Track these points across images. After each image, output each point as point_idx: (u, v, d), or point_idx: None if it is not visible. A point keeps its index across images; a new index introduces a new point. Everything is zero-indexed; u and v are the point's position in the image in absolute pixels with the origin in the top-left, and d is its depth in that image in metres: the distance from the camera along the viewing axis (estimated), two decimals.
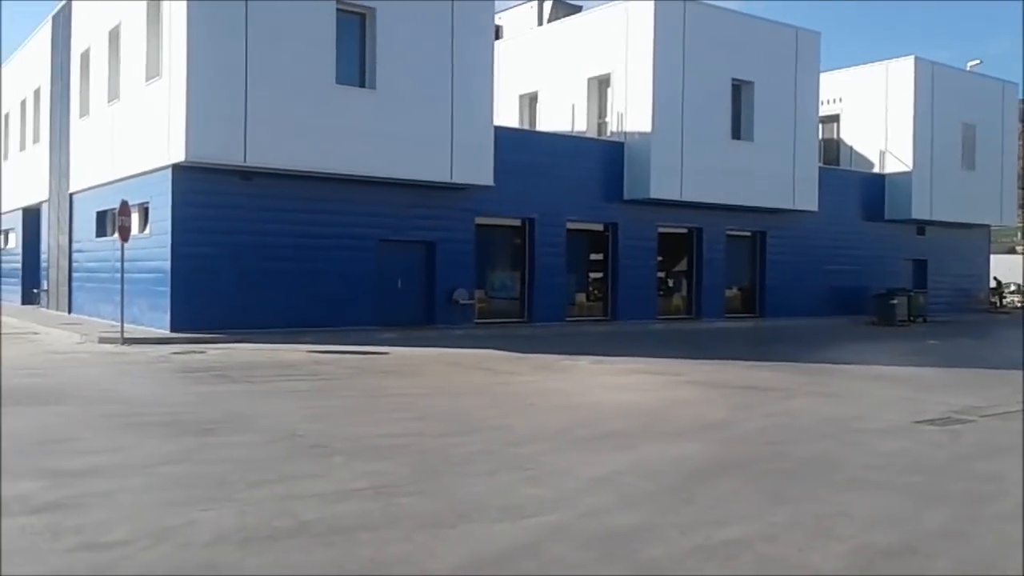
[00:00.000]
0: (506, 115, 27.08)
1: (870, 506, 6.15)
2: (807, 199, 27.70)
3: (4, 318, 24.32)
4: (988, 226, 35.75)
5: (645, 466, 7.28)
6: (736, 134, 26.18)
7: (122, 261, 18.04)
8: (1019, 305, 39.98)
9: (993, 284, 38.29)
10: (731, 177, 25.60)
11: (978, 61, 36.07)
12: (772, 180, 26.66)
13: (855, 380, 13.82)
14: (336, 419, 9.41)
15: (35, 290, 29.36)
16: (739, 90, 26.20)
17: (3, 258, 34.12)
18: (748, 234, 28.53)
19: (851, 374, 14.75)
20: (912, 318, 29.06)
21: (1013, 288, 43.83)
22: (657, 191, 24.41)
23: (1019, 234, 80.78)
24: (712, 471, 7.14)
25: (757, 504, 6.13)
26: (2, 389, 10.69)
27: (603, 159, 24.82)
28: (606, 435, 8.70)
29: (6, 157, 38.00)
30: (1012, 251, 64.71)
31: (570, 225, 24.50)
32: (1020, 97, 36.35)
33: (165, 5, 18.70)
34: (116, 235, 18.24)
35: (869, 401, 11.53)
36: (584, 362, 15.74)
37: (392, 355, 16.19)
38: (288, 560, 4.76)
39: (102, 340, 17.42)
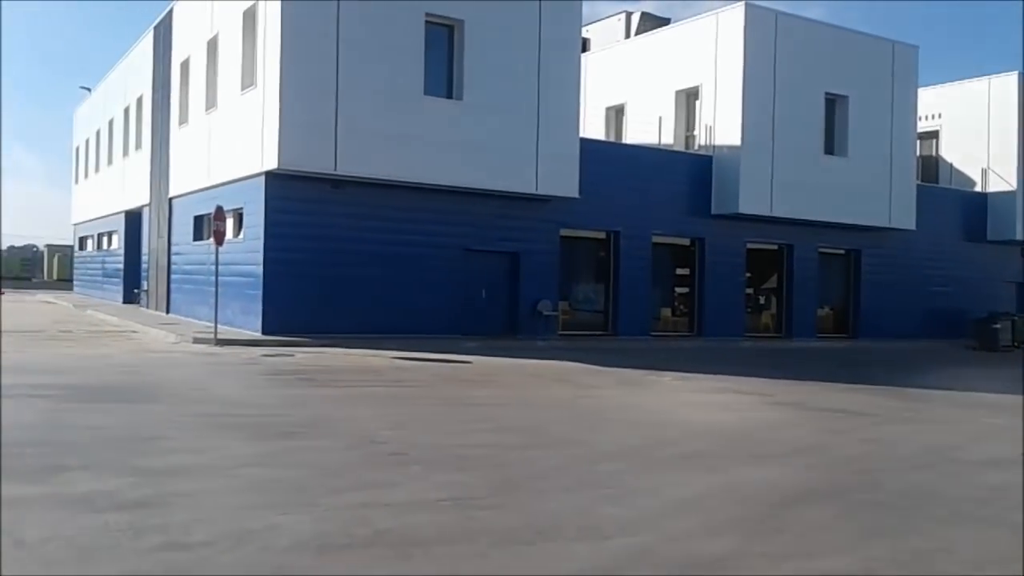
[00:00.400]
0: (592, 127, 26.96)
1: (975, 543, 5.79)
2: (904, 217, 26.76)
3: (105, 316, 25.26)
4: None
5: (732, 490, 7.02)
6: (829, 149, 25.48)
7: (216, 265, 18.52)
8: None
9: None
10: (824, 193, 24.91)
11: None
12: (867, 197, 25.84)
13: (955, 407, 13.19)
14: (415, 427, 9.39)
15: (136, 290, 30.49)
16: (833, 104, 25.50)
17: (106, 259, 35.56)
18: (842, 252, 27.71)
19: (951, 401, 14.09)
20: (1016, 343, 27.72)
21: None
22: (746, 206, 23.91)
23: None
24: (803, 499, 6.84)
25: (851, 536, 5.82)
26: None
27: (690, 173, 24.45)
28: (690, 455, 8.46)
29: (86, 176, 39.74)
30: None
31: (656, 239, 24.18)
32: None
33: (260, 16, 19.18)
34: (211, 239, 18.73)
35: (970, 430, 10.98)
36: (668, 378, 15.44)
37: (474, 364, 16.17)
38: (363, 571, 4.70)
39: (196, 340, 17.89)
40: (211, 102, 22.52)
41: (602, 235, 23.66)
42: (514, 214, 21.48)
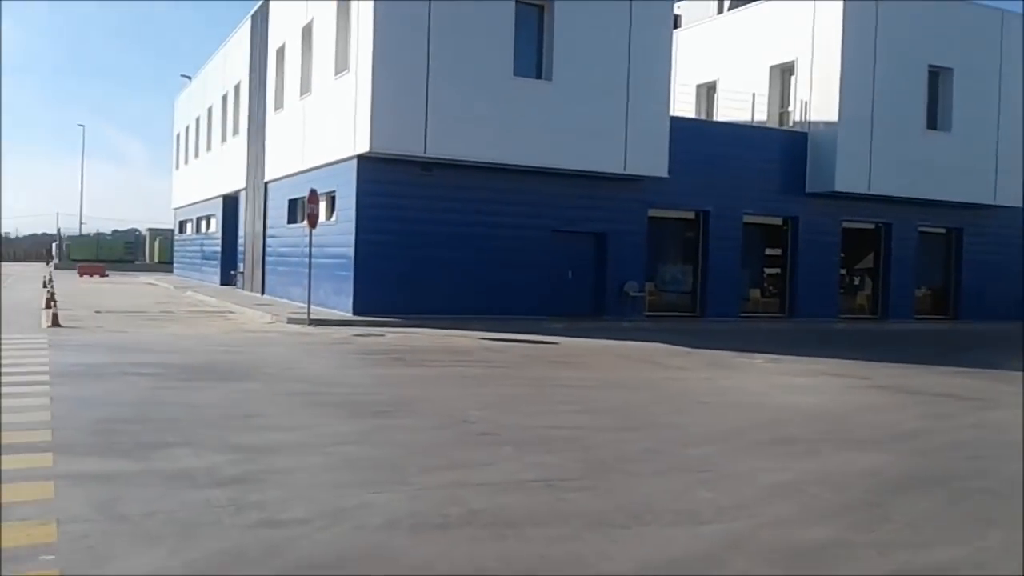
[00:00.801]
0: (683, 105, 26.44)
1: None
2: (1011, 194, 25.57)
3: (204, 297, 26.11)
4: None
5: (831, 476, 6.81)
6: (932, 124, 24.47)
7: (310, 247, 18.90)
8: None
9: None
10: (925, 169, 23.95)
11: None
12: (971, 173, 24.76)
13: None
14: (505, 407, 9.40)
15: (232, 272, 31.41)
16: (937, 77, 24.45)
17: (205, 242, 36.73)
18: (942, 231, 26.64)
19: None
20: None
21: None
22: (843, 184, 23.16)
23: None
24: (907, 486, 6.59)
25: (962, 525, 5.58)
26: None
27: (784, 150, 23.80)
28: (785, 439, 8.24)
29: (186, 162, 41.02)
30: None
31: (747, 219, 23.65)
32: None
33: (354, 4, 19.38)
34: (305, 222, 19.11)
35: None
36: (759, 360, 15.10)
37: (561, 345, 16.12)
38: (458, 551, 4.71)
39: (290, 320, 18.32)
40: (305, 87, 22.93)
41: (691, 215, 23.26)
42: (602, 194, 21.29)
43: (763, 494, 6.16)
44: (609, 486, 6.17)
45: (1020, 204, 25.77)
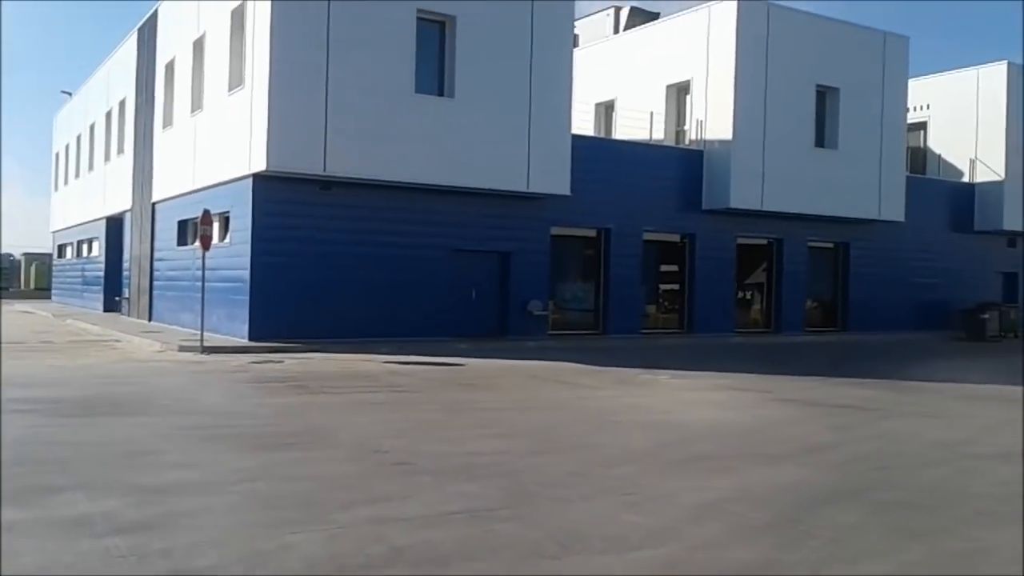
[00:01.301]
0: (582, 124, 26.68)
1: (1010, 542, 5.59)
2: (893, 209, 26.70)
3: (86, 325, 24.81)
4: None
5: (751, 493, 6.81)
6: (820, 142, 25.39)
7: (203, 270, 18.16)
8: None
9: None
10: (814, 186, 24.81)
11: None
12: (857, 189, 25.77)
13: (955, 400, 13.05)
14: (418, 434, 9.12)
15: (117, 298, 29.99)
16: (824, 96, 25.40)
17: (87, 266, 35.01)
18: (830, 245, 27.63)
19: (949, 393, 13.96)
20: (1004, 333, 27.75)
21: None
22: (737, 201, 23.76)
23: None
24: (825, 500, 6.64)
25: (885, 539, 5.62)
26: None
27: (681, 168, 24.28)
28: (701, 457, 8.25)
29: (66, 182, 39.18)
30: None
31: (647, 236, 23.99)
32: None
33: (249, 16, 18.83)
34: (197, 244, 18.37)
35: (975, 423, 10.87)
36: (664, 377, 15.23)
37: (468, 367, 15.92)
38: None
39: (182, 348, 17.53)
40: (197, 104, 22.13)
41: (593, 233, 23.44)
42: (505, 213, 21.24)
43: (688, 515, 6.10)
44: (535, 514, 6.00)
45: (902, 218, 26.94)
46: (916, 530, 5.86)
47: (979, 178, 30.15)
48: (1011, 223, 29.85)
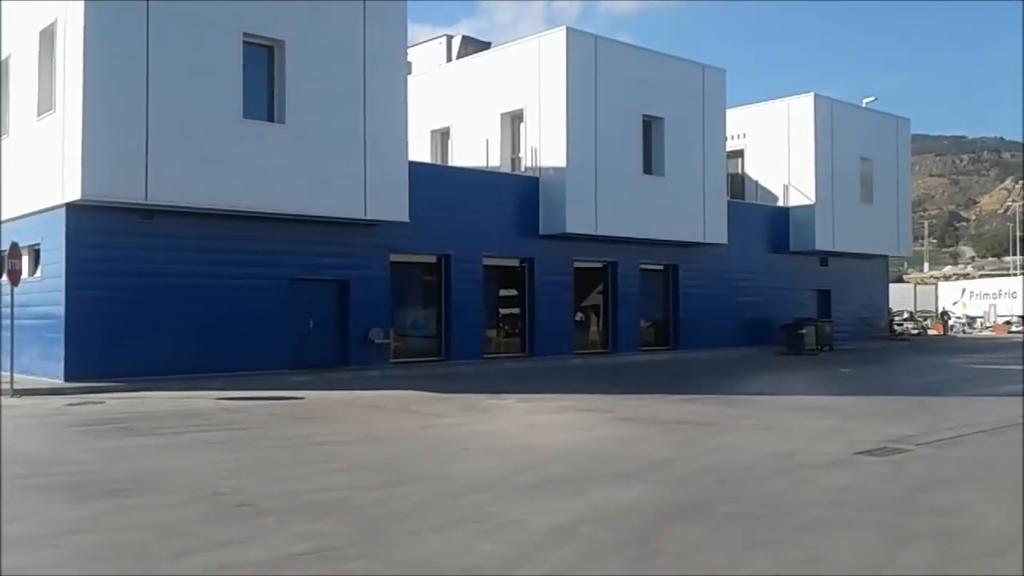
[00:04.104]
0: (418, 151, 26.66)
1: (844, 548, 5.88)
2: (717, 232, 28.10)
3: None
4: (886, 256, 37.04)
5: (600, 513, 6.87)
6: (648, 169, 26.41)
7: (12, 307, 16.72)
8: (915, 332, 41.45)
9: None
10: (644, 211, 25.76)
11: (873, 98, 37.56)
12: (683, 214, 26.96)
13: (783, 411, 13.75)
14: (258, 473, 8.69)
15: None
16: (650, 126, 26.48)
17: None
18: (661, 268, 28.73)
19: (777, 405, 14.71)
20: (820, 347, 29.68)
21: (907, 315, 45.56)
22: (572, 226, 24.33)
23: (905, 264, 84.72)
24: (671, 516, 6.78)
25: (729, 551, 5.78)
26: None
27: (518, 194, 24.64)
28: (550, 480, 8.27)
29: None
30: (900, 280, 67.74)
31: (486, 261, 24.16)
32: (912, 133, 37.87)
33: (59, 36, 17.67)
34: (4, 279, 16.95)
35: (803, 433, 11.43)
36: (510, 401, 15.30)
37: (308, 400, 15.42)
38: None
39: None
40: (2, 129, 20.53)
41: (432, 259, 23.37)
42: (342, 240, 20.83)
43: (541, 540, 6.07)
44: (386, 549, 5.79)
45: (726, 241, 28.39)
46: (758, 540, 6.06)
47: (792, 202, 32.25)
48: (822, 244, 32.08)
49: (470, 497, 7.46)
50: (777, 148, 32.53)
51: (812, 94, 32.05)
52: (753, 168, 33.51)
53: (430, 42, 32.12)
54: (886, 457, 9.44)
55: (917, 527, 6.45)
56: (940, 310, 51.13)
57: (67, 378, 17.06)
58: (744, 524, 6.55)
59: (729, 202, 29.20)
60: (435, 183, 22.61)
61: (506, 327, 25.63)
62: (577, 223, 24.36)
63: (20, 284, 16.89)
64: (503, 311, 25.70)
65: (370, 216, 20.25)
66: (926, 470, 8.86)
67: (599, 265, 27.11)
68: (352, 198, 19.87)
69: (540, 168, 24.71)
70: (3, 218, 19.93)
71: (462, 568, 5.37)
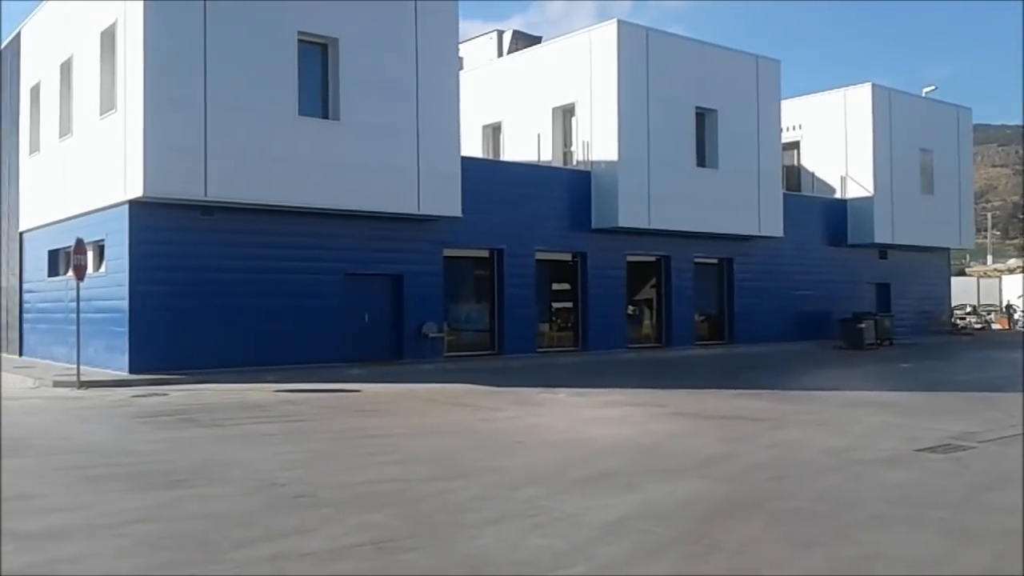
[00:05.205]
0: (470, 146, 26.78)
1: (904, 546, 5.78)
2: (772, 225, 27.73)
3: None
4: (948, 249, 36.19)
5: (654, 508, 6.85)
6: (701, 162, 26.16)
7: (78, 301, 17.24)
8: (978, 326, 40.45)
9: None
10: (697, 204, 25.53)
11: (933, 87, 36.63)
12: (738, 207, 26.66)
13: (840, 407, 13.54)
14: (316, 465, 8.84)
15: None
16: (703, 118, 26.22)
17: None
18: (715, 261, 28.45)
19: (834, 401, 14.49)
20: (879, 341, 29.13)
21: (969, 309, 44.47)
22: (625, 220, 24.21)
23: (967, 256, 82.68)
24: (726, 512, 6.73)
25: (786, 548, 5.73)
26: None
27: (570, 188, 24.60)
28: (604, 474, 8.26)
29: None
30: (962, 273, 66.13)
31: (538, 255, 24.17)
32: (974, 122, 36.88)
33: (120, 36, 18.11)
34: (70, 274, 17.46)
35: (861, 429, 11.24)
36: (563, 395, 15.31)
37: (364, 392, 15.61)
38: None
39: (57, 384, 16.58)
40: (66, 129, 21.13)
41: (485, 253, 23.46)
42: (396, 235, 21.02)
43: (595, 534, 6.08)
44: (442, 542, 5.86)
45: (781, 234, 28.01)
46: (815, 538, 5.99)
47: (850, 194, 31.67)
48: (881, 236, 31.47)
49: (524, 491, 7.49)
50: (834, 139, 31.97)
51: (870, 84, 31.42)
52: (809, 160, 32.97)
53: (481, 37, 32.22)
54: (948, 454, 9.24)
55: (980, 526, 6.32)
56: (1004, 303, 49.76)
57: (131, 370, 17.52)
58: (801, 521, 6.49)
59: (785, 194, 28.80)
60: (487, 178, 22.69)
61: (559, 321, 25.63)
62: (630, 217, 24.24)
63: (85, 279, 17.38)
64: (555, 305, 25.70)
65: (423, 211, 20.41)
66: (989, 468, 8.66)
67: (652, 259, 26.94)
68: (405, 193, 20.04)
69: (592, 162, 24.64)
70: (69, 215, 20.51)
71: (516, 562, 5.40)
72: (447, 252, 22.16)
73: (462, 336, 23.28)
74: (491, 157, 27.74)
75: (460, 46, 23.73)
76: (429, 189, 20.27)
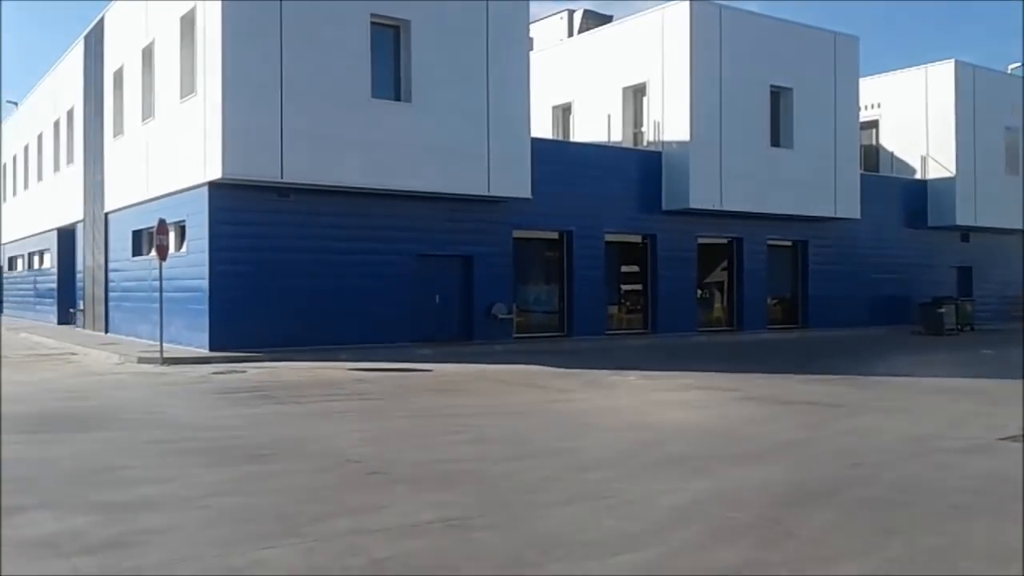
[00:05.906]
0: (539, 126, 26.68)
1: (985, 536, 5.64)
2: (849, 207, 27.07)
3: (41, 339, 24.24)
4: None
5: (728, 493, 6.79)
6: (776, 141, 25.64)
7: (160, 280, 17.81)
8: None
9: None
10: (771, 186, 25.05)
11: (1018, 64, 35.18)
12: (813, 188, 26.07)
13: (920, 394, 13.21)
14: (390, 442, 9.00)
15: (71, 310, 29.34)
16: (778, 97, 25.66)
17: (39, 279, 34.21)
18: (789, 243, 27.91)
19: (913, 387, 14.14)
20: (960, 327, 28.28)
21: None
22: (696, 201, 23.90)
23: None
24: (801, 498, 6.64)
25: (864, 536, 5.62)
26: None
27: (640, 169, 24.37)
28: (676, 458, 8.22)
29: (14, 194, 38.26)
30: None
31: (608, 237, 24.04)
32: None
33: (199, 22, 18.53)
34: (153, 254, 18.03)
35: (941, 416, 10.96)
36: (633, 377, 15.25)
37: (435, 372, 15.79)
38: None
39: (141, 360, 17.17)
40: (148, 112, 21.73)
41: (555, 235, 23.43)
42: (466, 217, 21.14)
43: (667, 517, 6.06)
44: (513, 521, 5.92)
45: (858, 216, 27.32)
46: (894, 527, 5.87)
47: (931, 175, 30.70)
48: (963, 218, 30.45)
49: (595, 472, 7.51)
50: (914, 118, 30.93)
51: (952, 61, 30.27)
52: (888, 139, 32.01)
53: (551, 17, 32.03)
54: None
55: None
56: None
57: (211, 347, 18.03)
58: (879, 509, 6.36)
59: (862, 175, 28.03)
60: (557, 159, 22.63)
61: (628, 303, 25.49)
62: (701, 198, 23.92)
63: (168, 259, 17.92)
64: (625, 287, 25.56)
65: (493, 192, 20.47)
66: None
67: (724, 241, 26.57)
68: (476, 175, 20.13)
69: (663, 142, 24.35)
70: (151, 196, 21.14)
71: (588, 542, 5.42)
72: (517, 233, 22.20)
73: (531, 317, 23.33)
74: (561, 138, 27.63)
75: (531, 26, 23.67)
76: (499, 171, 20.31)
